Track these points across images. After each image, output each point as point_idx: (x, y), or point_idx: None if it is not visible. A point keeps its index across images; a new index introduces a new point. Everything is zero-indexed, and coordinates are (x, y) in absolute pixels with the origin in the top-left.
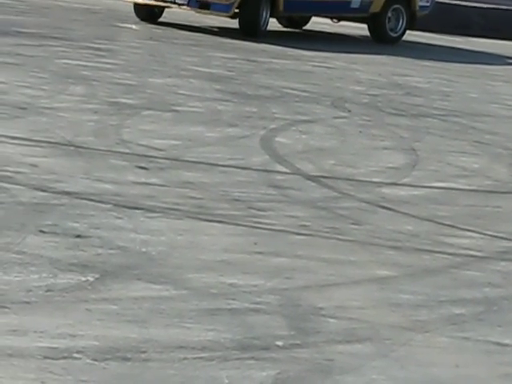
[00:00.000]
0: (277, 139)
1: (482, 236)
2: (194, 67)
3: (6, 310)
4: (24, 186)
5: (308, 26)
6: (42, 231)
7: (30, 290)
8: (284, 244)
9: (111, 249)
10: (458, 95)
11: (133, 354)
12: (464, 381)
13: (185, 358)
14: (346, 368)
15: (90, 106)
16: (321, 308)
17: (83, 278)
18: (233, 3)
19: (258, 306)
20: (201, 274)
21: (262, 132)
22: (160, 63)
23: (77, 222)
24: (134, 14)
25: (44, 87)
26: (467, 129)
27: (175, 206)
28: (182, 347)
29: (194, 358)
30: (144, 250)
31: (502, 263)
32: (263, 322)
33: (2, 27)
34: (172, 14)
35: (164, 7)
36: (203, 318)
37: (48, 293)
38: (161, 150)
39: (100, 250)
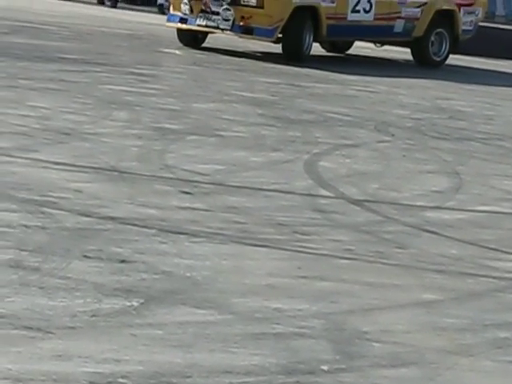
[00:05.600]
0: (320, 163)
1: None
2: (237, 92)
3: (51, 335)
4: (68, 211)
5: (351, 51)
6: (86, 256)
7: (75, 315)
8: (328, 268)
9: (156, 274)
10: (501, 119)
11: (178, 378)
12: None
13: (230, 383)
14: None
15: (134, 132)
16: (366, 332)
17: (128, 303)
18: (276, 28)
19: (303, 331)
20: (245, 298)
21: (306, 156)
22: (203, 88)
23: (121, 247)
24: (177, 40)
25: (87, 113)
26: (511, 152)
27: (219, 231)
28: (227, 372)
29: (240, 383)
30: (188, 274)
31: None
32: (308, 347)
33: (46, 53)
34: (215, 39)
35: (207, 32)
36: (248, 342)
37: (93, 318)
38: (205, 174)
39: (144, 275)
